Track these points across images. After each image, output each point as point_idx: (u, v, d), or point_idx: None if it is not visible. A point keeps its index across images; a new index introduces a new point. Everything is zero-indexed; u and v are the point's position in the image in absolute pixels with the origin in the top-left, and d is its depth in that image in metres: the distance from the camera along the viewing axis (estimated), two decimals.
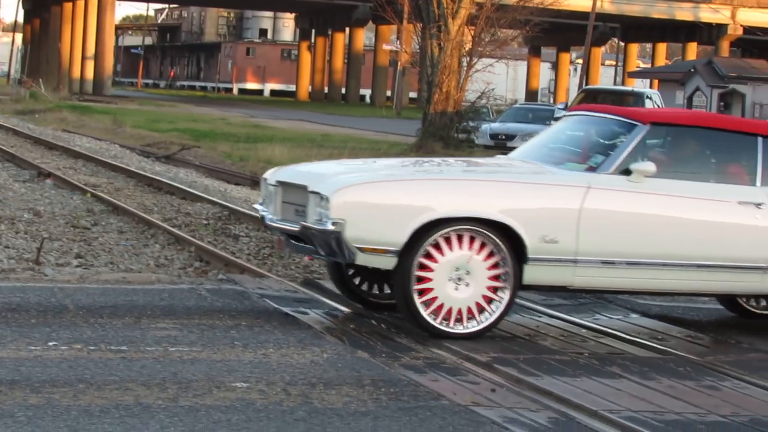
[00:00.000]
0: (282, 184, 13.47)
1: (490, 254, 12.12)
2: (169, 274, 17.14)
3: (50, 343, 11.14)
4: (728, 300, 15.04)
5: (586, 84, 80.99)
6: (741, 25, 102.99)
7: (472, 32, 48.83)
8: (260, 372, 10.63)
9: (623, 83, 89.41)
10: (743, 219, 12.84)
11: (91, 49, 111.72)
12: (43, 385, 9.52)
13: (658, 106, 47.89)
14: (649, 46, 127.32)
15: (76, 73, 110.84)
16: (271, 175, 14.28)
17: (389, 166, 15.30)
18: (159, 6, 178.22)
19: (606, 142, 13.81)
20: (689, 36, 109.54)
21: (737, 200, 12.92)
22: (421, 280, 12.00)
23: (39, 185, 30.25)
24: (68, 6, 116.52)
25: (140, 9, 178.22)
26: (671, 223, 12.76)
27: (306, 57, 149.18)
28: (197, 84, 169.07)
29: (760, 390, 11.10)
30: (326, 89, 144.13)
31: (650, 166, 12.61)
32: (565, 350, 12.55)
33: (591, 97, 50.82)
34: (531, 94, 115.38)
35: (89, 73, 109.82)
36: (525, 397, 10.21)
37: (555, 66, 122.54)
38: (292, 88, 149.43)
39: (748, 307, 14.73)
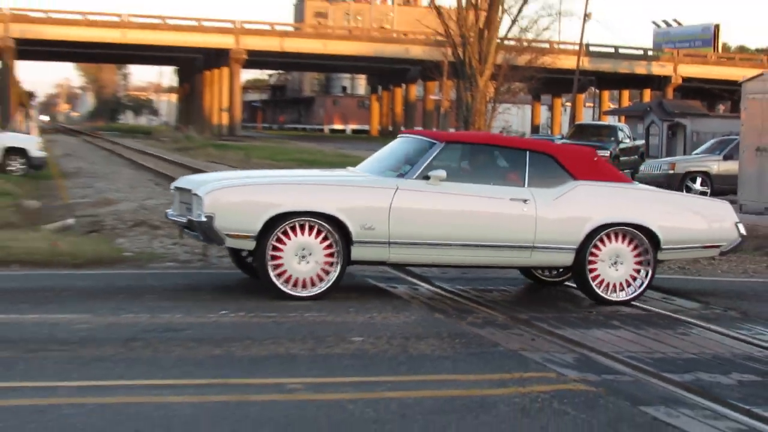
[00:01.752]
0: (178, 189, 13.54)
1: (325, 239, 12.16)
2: None
3: (221, 312, 11.37)
4: (525, 270, 14.71)
5: (574, 121, 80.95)
6: (680, 76, 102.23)
7: (494, 85, 48.55)
8: (369, 330, 10.80)
9: (599, 119, 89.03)
10: (513, 210, 12.64)
11: (225, 103, 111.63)
12: (222, 342, 9.83)
13: (627, 135, 47.51)
14: (616, 92, 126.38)
15: (216, 120, 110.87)
16: (173, 183, 14.44)
17: (259, 175, 15.40)
18: (270, 72, 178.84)
19: (414, 155, 13.53)
20: (645, 84, 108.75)
21: (509, 197, 12.73)
22: (274, 257, 12.06)
23: None
24: (208, 74, 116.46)
25: (258, 74, 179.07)
26: (459, 214, 12.67)
27: (375, 105, 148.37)
28: (299, 126, 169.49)
29: (718, 335, 11.13)
30: (390, 128, 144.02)
31: (442, 173, 12.54)
32: (580, 310, 12.65)
33: (580, 130, 50.63)
34: (535, 129, 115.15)
35: (225, 121, 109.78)
36: (555, 344, 10.36)
37: (551, 108, 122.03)
38: (366, 127, 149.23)
39: (540, 276, 14.47)
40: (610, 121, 63.46)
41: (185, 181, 14.11)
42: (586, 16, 74.61)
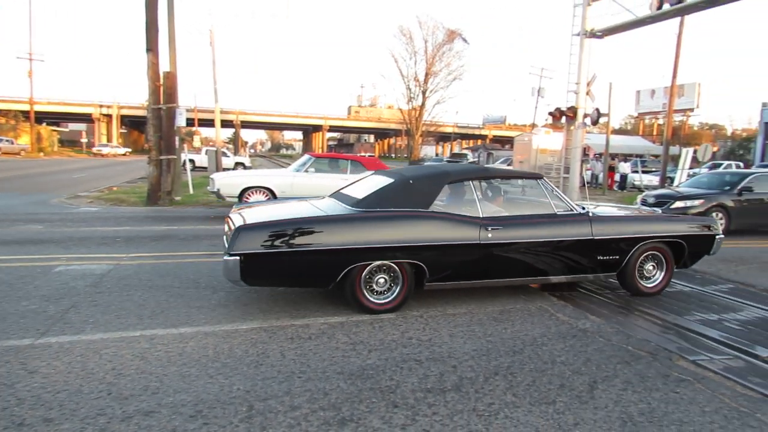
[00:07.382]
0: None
1: None
2: None
3: None
4: None
5: (451, 151, 79.93)
6: (492, 135, 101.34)
7: (421, 139, 47.64)
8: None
9: (461, 151, 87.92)
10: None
11: (320, 147, 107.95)
12: None
13: (470, 157, 45.50)
14: (465, 140, 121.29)
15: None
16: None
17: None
18: (336, 134, 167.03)
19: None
20: (477, 138, 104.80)
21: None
22: None
23: None
24: (314, 134, 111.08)
25: (331, 135, 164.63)
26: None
27: (377, 145, 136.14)
28: None
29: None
30: (381, 155, 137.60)
31: None
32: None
33: (453, 156, 48.30)
34: (436, 155, 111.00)
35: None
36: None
37: (442, 146, 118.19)
38: (374, 154, 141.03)
39: None
40: (465, 152, 62.77)
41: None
42: (456, 112, 73.85)
